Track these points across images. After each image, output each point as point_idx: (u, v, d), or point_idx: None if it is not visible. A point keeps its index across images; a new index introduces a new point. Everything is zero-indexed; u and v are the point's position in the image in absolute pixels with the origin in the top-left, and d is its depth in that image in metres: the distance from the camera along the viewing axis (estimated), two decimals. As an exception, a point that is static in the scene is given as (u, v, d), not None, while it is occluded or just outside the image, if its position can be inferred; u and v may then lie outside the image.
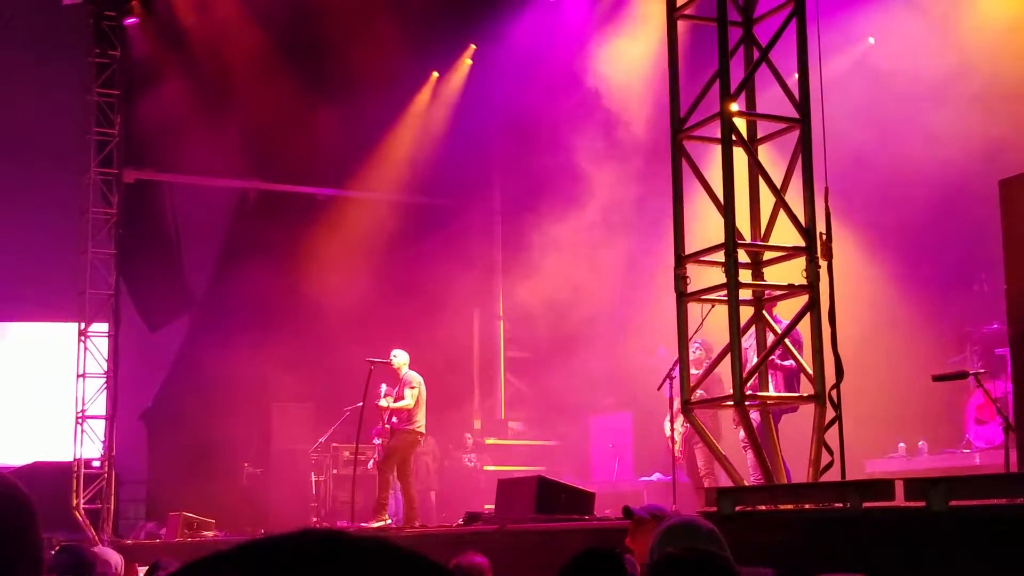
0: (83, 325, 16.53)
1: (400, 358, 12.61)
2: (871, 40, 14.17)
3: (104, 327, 16.62)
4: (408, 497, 12.40)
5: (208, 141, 16.58)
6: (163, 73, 16.79)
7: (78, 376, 16.46)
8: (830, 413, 7.09)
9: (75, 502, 15.94)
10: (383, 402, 12.52)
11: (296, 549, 0.84)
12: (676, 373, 8.70)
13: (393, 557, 0.84)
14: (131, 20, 16.84)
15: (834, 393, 7.07)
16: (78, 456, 16.26)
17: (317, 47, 16.96)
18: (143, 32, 16.97)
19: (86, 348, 16.50)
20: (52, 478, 16.04)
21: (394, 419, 12.48)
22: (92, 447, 16.37)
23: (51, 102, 17.28)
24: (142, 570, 10.01)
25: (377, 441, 13.54)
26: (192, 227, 18.31)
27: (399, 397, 12.44)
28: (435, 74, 18.25)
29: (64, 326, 17.13)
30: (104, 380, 16.49)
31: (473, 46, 18.18)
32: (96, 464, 16.39)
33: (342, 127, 17.14)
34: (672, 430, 11.02)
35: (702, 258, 7.65)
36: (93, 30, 16.74)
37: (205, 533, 13.79)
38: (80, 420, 16.35)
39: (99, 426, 16.41)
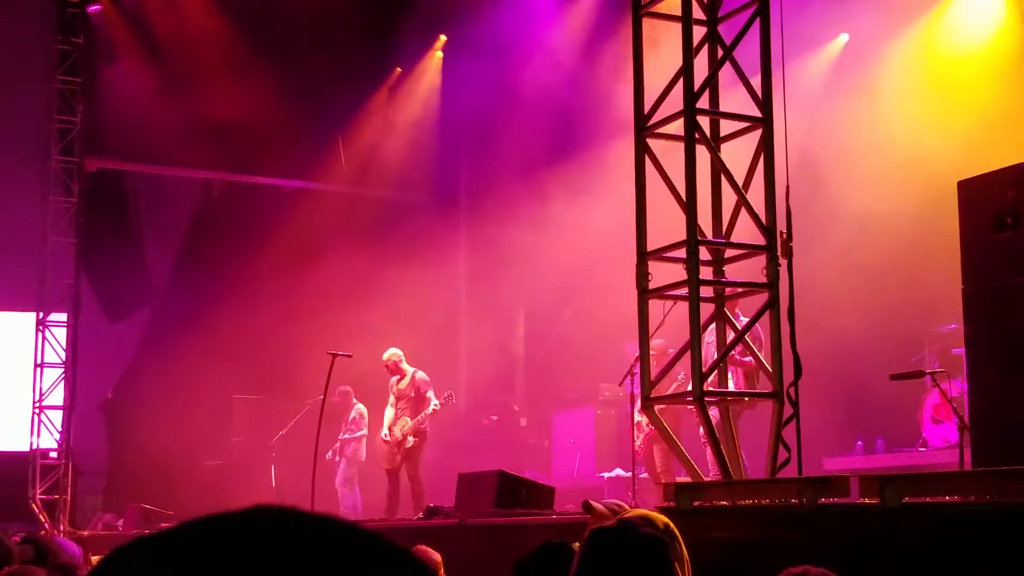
0: (41, 314, 16.39)
1: (397, 356, 12.98)
2: (845, 36, 14.22)
3: (63, 317, 16.48)
4: (420, 486, 12.98)
5: (172, 131, 16.47)
6: (127, 61, 16.67)
7: (36, 366, 16.32)
8: (788, 410, 7.15)
9: (31, 492, 15.82)
10: (434, 404, 12.96)
11: (249, 525, 0.84)
12: (638, 369, 8.74)
13: (349, 536, 0.85)
14: (95, 7, 16.70)
15: (792, 390, 7.13)
16: (35, 446, 16.13)
17: (284, 36, 16.89)
18: (107, 19, 16.83)
19: (44, 338, 16.36)
20: (8, 468, 15.91)
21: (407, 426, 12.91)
22: (49, 438, 16.24)
23: (12, 88, 17.09)
24: (95, 559, 9.97)
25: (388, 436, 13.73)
26: (155, 217, 18.17)
27: (420, 399, 12.99)
28: (398, 70, 18.20)
29: (22, 315, 16.97)
30: (62, 370, 16.36)
31: (443, 37, 18.15)
32: (53, 455, 16.26)
33: (308, 118, 17.08)
34: (636, 423, 11.11)
35: (664, 255, 7.69)
36: (56, 16, 16.59)
37: (163, 525, 13.70)
38: (37, 410, 16.22)
39: (57, 416, 16.28)
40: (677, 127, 7.68)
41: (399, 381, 13.12)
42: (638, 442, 11.29)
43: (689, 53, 7.61)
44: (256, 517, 0.84)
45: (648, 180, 7.81)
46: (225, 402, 17.16)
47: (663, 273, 7.85)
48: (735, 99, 8.23)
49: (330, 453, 14.17)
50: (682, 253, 7.44)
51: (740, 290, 8.19)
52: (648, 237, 7.75)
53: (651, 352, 7.95)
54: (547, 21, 16.69)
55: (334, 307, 16.47)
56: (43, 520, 15.52)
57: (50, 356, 16.37)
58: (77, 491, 16.52)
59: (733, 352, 9.15)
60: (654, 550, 2.73)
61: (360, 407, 14.05)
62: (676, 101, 7.69)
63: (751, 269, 7.87)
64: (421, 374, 13.12)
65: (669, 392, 10.21)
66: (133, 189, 17.83)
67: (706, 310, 7.88)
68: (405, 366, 13.16)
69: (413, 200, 18.57)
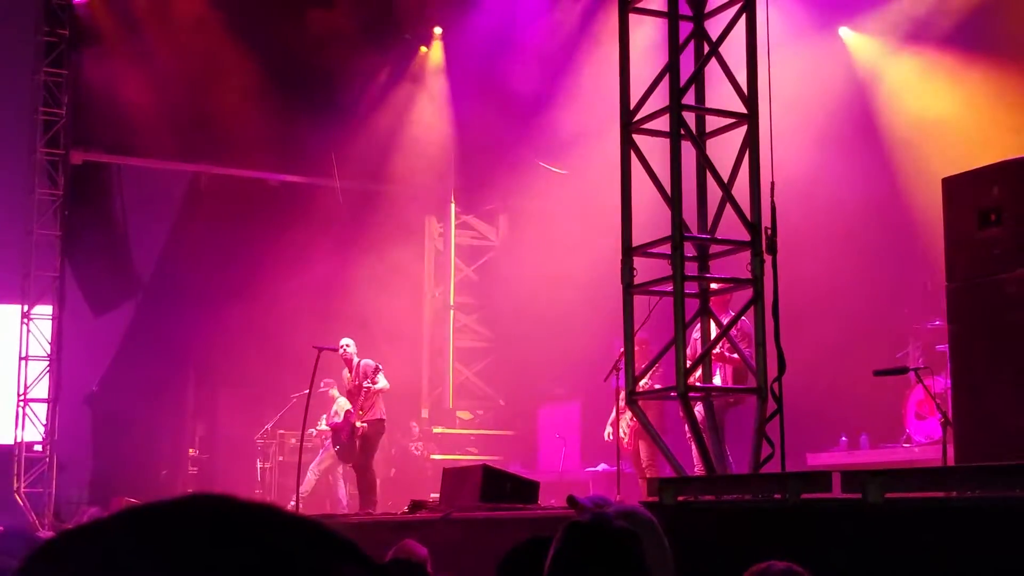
0: (26, 307, 16.34)
1: (353, 347, 12.82)
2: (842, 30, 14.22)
3: (48, 309, 16.43)
4: (373, 483, 12.60)
5: (158, 124, 16.42)
6: (112, 53, 16.60)
7: (20, 359, 16.27)
8: (772, 406, 7.17)
9: (16, 485, 15.79)
10: (367, 384, 12.59)
11: (184, 514, 0.84)
12: (623, 365, 8.74)
13: (283, 524, 0.85)
14: (81, -1, 16.65)
15: (776, 386, 7.14)
16: (19, 439, 16.09)
17: (271, 28, 16.84)
18: (92, 11, 16.76)
19: (29, 331, 16.31)
20: (-8, 461, 15.88)
21: (360, 412, 12.70)
22: (34, 430, 16.20)
23: (-3, 80, 17.05)
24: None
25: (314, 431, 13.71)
26: (140, 210, 18.12)
27: (365, 379, 12.60)
28: (387, 68, 18.17)
29: (7, 308, 16.92)
30: (47, 363, 16.31)
31: (438, 30, 18.10)
32: (38, 448, 16.22)
33: (295, 112, 17.03)
34: (618, 421, 11.10)
35: (649, 250, 7.70)
36: (42, 8, 16.52)
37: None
38: (22, 403, 16.17)
39: (41, 409, 16.24)
40: (663, 122, 7.69)
41: (350, 372, 12.92)
42: (623, 432, 11.26)
43: (675, 49, 7.62)
44: (189, 506, 0.85)
45: (634, 175, 7.82)
46: (210, 396, 17.15)
47: (648, 269, 7.86)
48: (721, 95, 8.25)
49: (317, 429, 14.17)
50: (667, 249, 7.46)
51: (725, 286, 8.21)
52: (633, 232, 7.76)
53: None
54: (538, 16, 16.66)
55: (320, 300, 16.47)
56: (28, 513, 15.49)
57: (35, 349, 16.32)
58: (62, 484, 16.48)
59: (722, 349, 9.17)
60: (627, 544, 2.73)
61: (342, 401, 13.95)
62: (662, 97, 7.71)
63: (738, 266, 7.89)
64: (368, 360, 12.87)
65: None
66: (118, 181, 17.78)
67: (693, 306, 7.89)
68: (355, 357, 12.95)
69: (401, 193, 18.54)
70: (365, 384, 12.59)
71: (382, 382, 12.62)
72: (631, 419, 10.84)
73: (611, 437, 11.23)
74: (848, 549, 4.82)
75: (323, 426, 14.18)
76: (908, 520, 4.71)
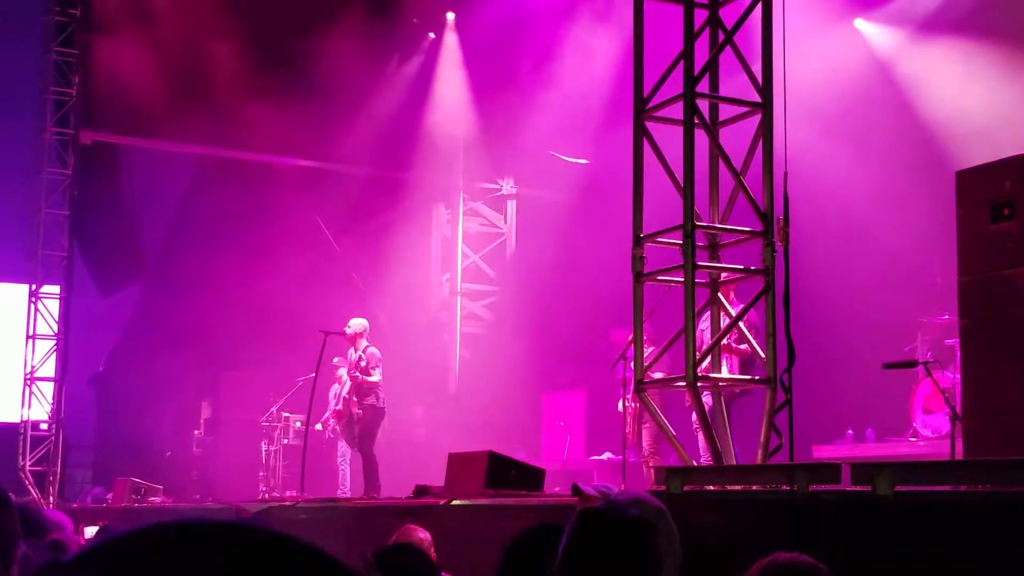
0: (34, 286, 16.36)
1: (355, 326, 12.70)
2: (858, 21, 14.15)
3: (56, 289, 16.45)
4: (375, 469, 12.63)
5: (167, 105, 16.38)
6: (123, 34, 16.56)
7: (28, 338, 16.30)
8: (781, 397, 7.14)
9: (21, 464, 15.83)
10: (354, 374, 12.56)
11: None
12: (631, 353, 8.71)
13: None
14: (92, -21, 16.60)
15: (785, 377, 7.11)
16: (25, 418, 16.12)
17: (282, 12, 16.79)
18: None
19: (37, 310, 16.34)
20: (-1, 439, 15.93)
21: (354, 398, 12.67)
22: (40, 409, 16.23)
23: (8, 59, 17.01)
24: (88, 530, 9.98)
25: (319, 427, 13.73)
26: (148, 191, 18.12)
27: (365, 372, 12.51)
28: (396, 54, 18.09)
29: (14, 287, 16.93)
30: (54, 342, 16.33)
31: (451, 16, 18.03)
32: (44, 427, 16.25)
33: (304, 96, 16.98)
34: (625, 409, 11.08)
35: (660, 239, 7.67)
36: (54, -13, 16.50)
37: (152, 499, 13.73)
38: (29, 382, 16.20)
39: (48, 388, 16.27)
40: (676, 110, 7.65)
41: (355, 353, 12.84)
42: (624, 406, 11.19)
43: (690, 36, 7.58)
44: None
45: (646, 163, 7.78)
46: (216, 377, 17.15)
47: (658, 258, 7.83)
48: (735, 85, 8.20)
49: (319, 426, 14.13)
50: (678, 237, 7.42)
51: (736, 275, 8.17)
52: (644, 221, 7.72)
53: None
54: (551, 2, 16.59)
55: (327, 285, 16.45)
56: (33, 491, 15.53)
57: (42, 328, 16.34)
58: (67, 464, 16.52)
59: (728, 340, 9.14)
60: (641, 532, 2.71)
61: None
62: (676, 85, 7.66)
63: (747, 256, 7.85)
64: (373, 349, 12.83)
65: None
66: (127, 162, 17.76)
67: (700, 297, 7.86)
68: (362, 341, 12.83)
69: (408, 179, 18.50)
70: (353, 371, 12.59)
71: (375, 376, 12.56)
72: (631, 403, 10.82)
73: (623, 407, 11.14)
74: (856, 542, 4.80)
75: (337, 405, 14.14)
76: (917, 513, 4.69)
